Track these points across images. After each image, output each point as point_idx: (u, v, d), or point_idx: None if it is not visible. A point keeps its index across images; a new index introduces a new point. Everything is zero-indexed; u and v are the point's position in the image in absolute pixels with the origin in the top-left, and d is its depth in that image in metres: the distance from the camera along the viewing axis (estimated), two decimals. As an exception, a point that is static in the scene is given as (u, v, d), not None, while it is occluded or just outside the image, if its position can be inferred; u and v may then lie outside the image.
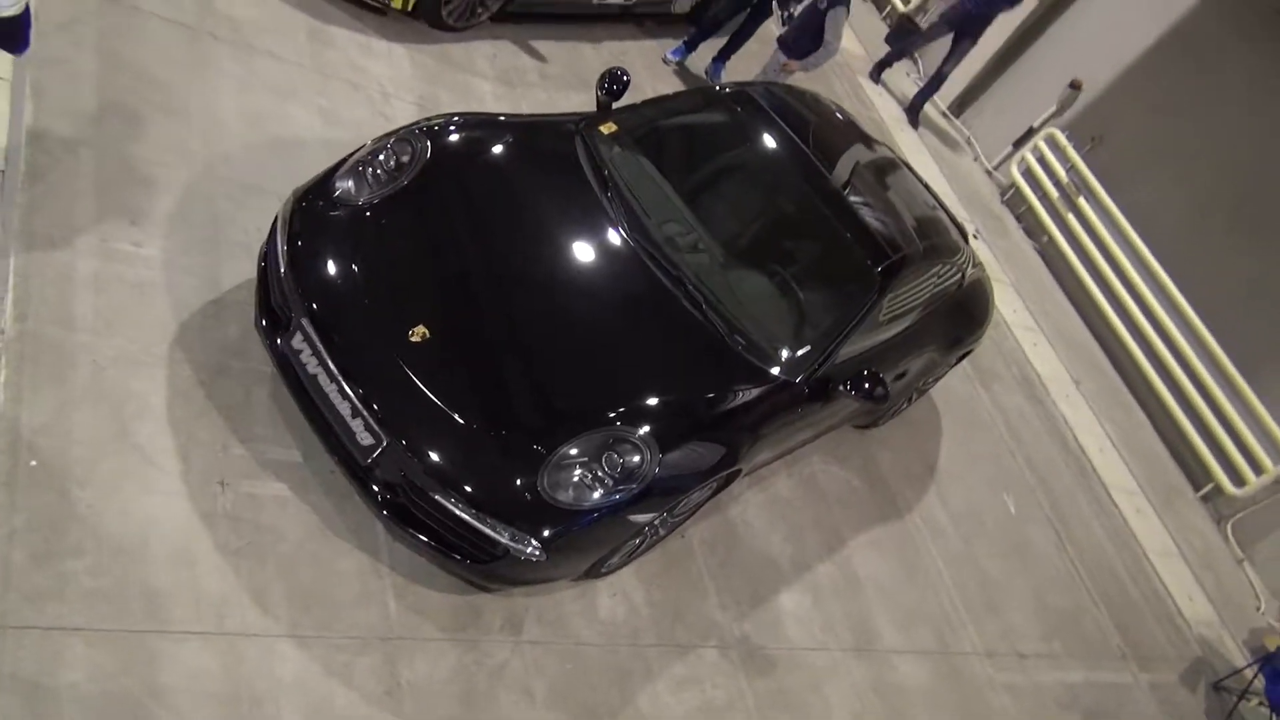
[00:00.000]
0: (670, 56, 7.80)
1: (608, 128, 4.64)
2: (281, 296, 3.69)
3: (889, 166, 5.56)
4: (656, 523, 4.01)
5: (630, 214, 4.32)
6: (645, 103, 4.93)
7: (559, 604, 4.06)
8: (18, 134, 3.97)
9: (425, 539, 3.60)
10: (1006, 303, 8.48)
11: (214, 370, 3.83)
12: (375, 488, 3.57)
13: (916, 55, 10.35)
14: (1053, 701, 5.46)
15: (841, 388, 4.41)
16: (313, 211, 3.81)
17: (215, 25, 5.04)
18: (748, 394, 4.13)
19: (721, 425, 4.02)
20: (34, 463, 3.26)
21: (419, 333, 3.58)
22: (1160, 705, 6.05)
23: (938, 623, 5.34)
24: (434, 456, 3.46)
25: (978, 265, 6.00)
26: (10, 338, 3.47)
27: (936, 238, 5.37)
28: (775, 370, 4.25)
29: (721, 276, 4.42)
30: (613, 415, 3.71)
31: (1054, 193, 9.47)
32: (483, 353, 3.69)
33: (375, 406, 3.46)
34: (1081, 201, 9.27)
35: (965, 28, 9.19)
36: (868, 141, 5.63)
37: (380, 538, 3.78)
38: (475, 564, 3.62)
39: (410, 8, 5.86)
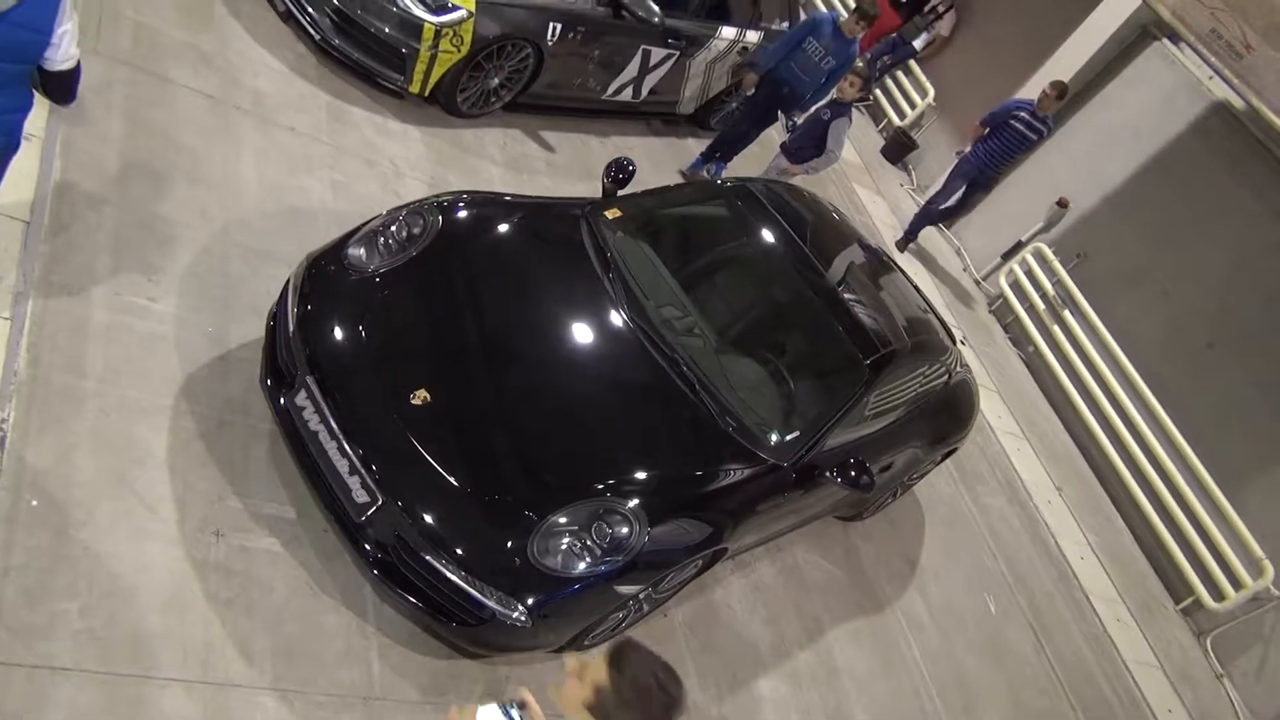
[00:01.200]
0: (692, 169, 8.02)
1: (612, 213, 4.83)
2: (288, 355, 3.80)
3: (882, 268, 5.74)
4: (641, 597, 4.07)
5: (630, 296, 4.46)
6: (649, 192, 5.13)
7: (539, 675, 4.08)
8: (45, 188, 4.12)
9: (413, 599, 3.64)
10: (992, 409, 8.63)
11: (216, 424, 3.92)
12: (367, 546, 3.63)
13: (939, 219, 10.24)
14: (1028, 806, 5.43)
15: (828, 474, 4.51)
16: (324, 275, 3.94)
17: (240, 98, 5.25)
18: (736, 474, 4.23)
19: (710, 503, 4.11)
20: (35, 502, 3.32)
21: (420, 396, 3.69)
22: (1137, 818, 6.01)
23: (913, 717, 5.33)
24: (427, 517, 3.53)
25: (964, 367, 6.16)
26: (23, 380, 3.56)
27: (926, 336, 5.53)
28: (764, 453, 4.35)
29: (715, 360, 4.55)
30: (603, 487, 3.79)
31: (1040, 305, 9.70)
32: (480, 420, 3.79)
33: (373, 465, 3.55)
34: (1066, 314, 9.49)
35: (978, 179, 9.39)
36: (862, 243, 5.84)
37: (368, 598, 3.82)
38: (461, 627, 3.66)
39: (427, 93, 6.10)
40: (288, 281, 3.98)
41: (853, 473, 4.51)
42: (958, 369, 5.91)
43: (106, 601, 3.26)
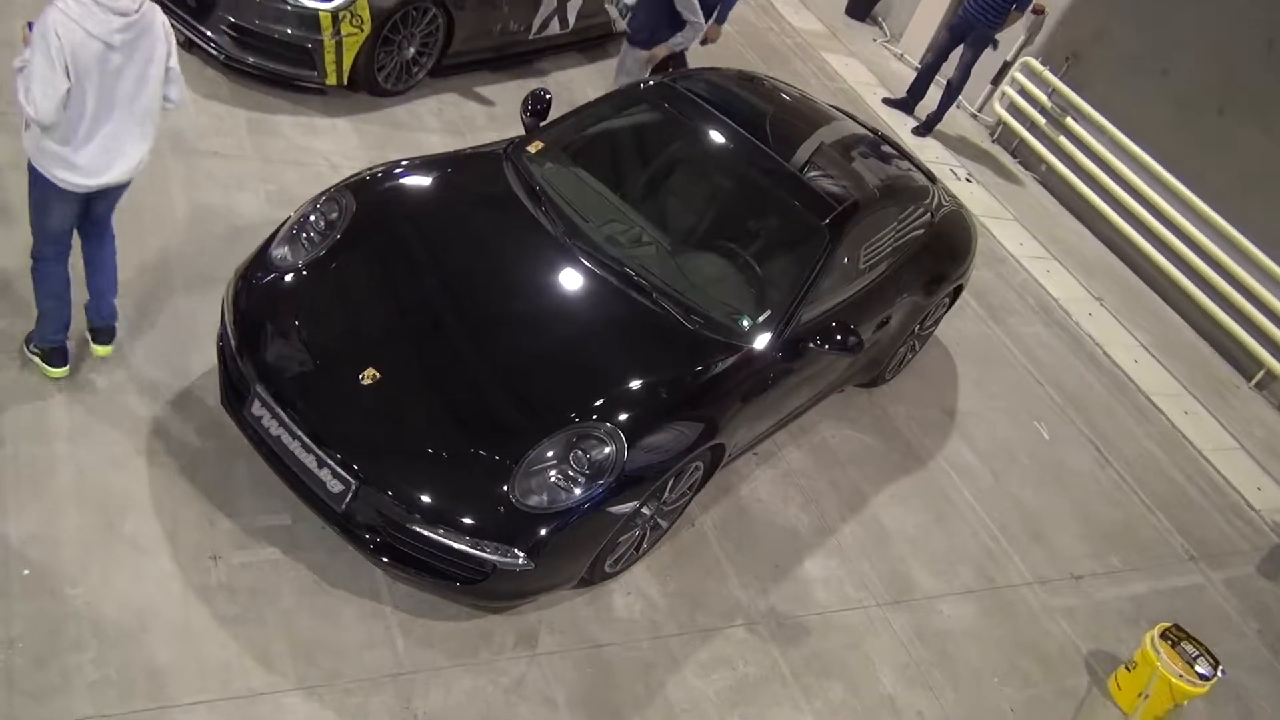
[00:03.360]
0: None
1: (535, 146, 4.73)
2: (238, 370, 3.81)
3: (837, 128, 5.54)
4: (649, 512, 4.03)
5: (567, 222, 4.39)
6: (568, 115, 5.01)
7: (571, 612, 4.09)
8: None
9: (415, 571, 3.66)
10: (1012, 237, 8.37)
11: (192, 455, 3.96)
12: (357, 532, 3.65)
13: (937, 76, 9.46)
14: (1117, 616, 5.31)
15: (813, 345, 4.41)
16: (254, 284, 3.94)
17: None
18: (714, 369, 4.15)
19: (691, 405, 4.04)
20: (26, 571, 3.40)
21: (369, 375, 3.67)
22: (1241, 600, 5.84)
23: (978, 561, 5.24)
24: (402, 489, 3.53)
25: (949, 201, 5.96)
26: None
27: (892, 182, 5.35)
28: (738, 341, 4.27)
29: (669, 263, 4.46)
30: (573, 415, 3.75)
31: (1041, 120, 9.35)
32: (435, 380, 3.77)
33: (337, 454, 3.55)
34: (1070, 122, 9.13)
35: (968, 37, 8.80)
36: (811, 109, 5.65)
37: (379, 580, 3.86)
38: (468, 585, 3.67)
39: (346, 81, 6.05)
40: (222, 300, 3.98)
41: (837, 336, 4.40)
42: (940, 206, 5.71)
43: (116, 647, 3.33)
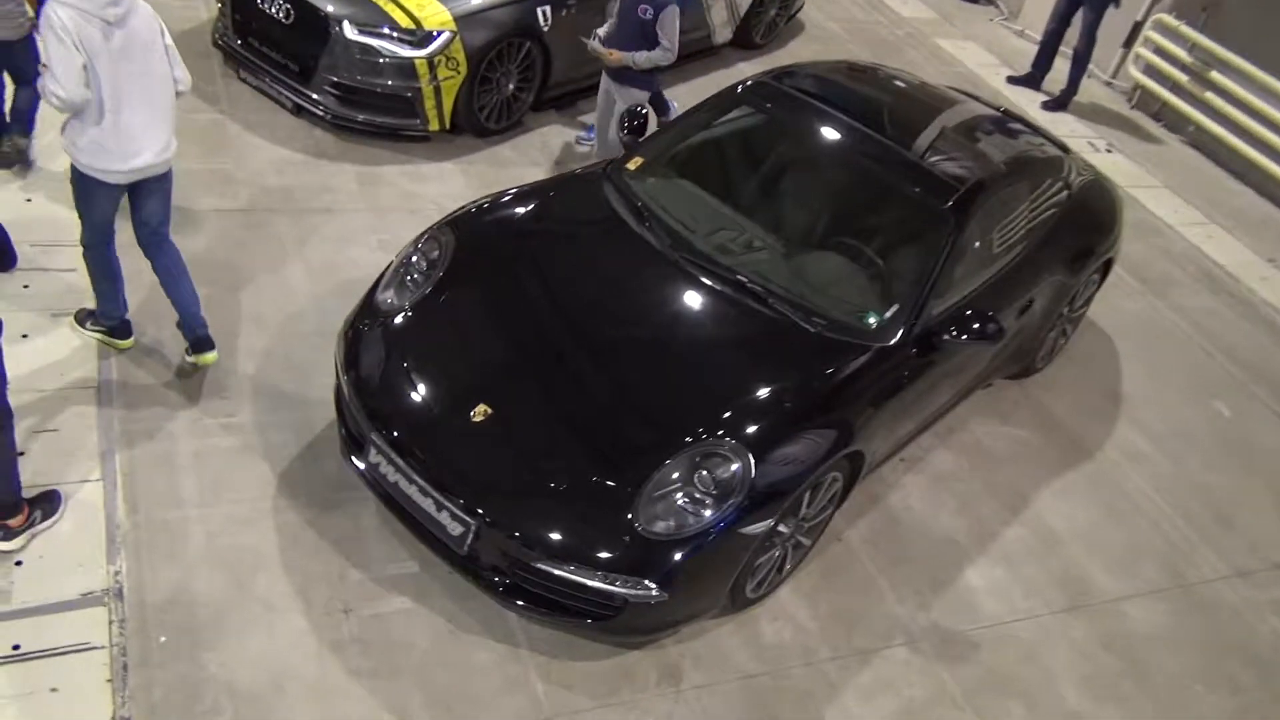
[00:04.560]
0: (585, 137, 6.53)
1: (634, 163, 4.59)
2: (354, 420, 3.76)
3: (956, 110, 5.18)
4: (787, 530, 3.78)
5: (674, 236, 4.21)
6: (664, 127, 4.85)
7: (716, 642, 3.86)
8: (106, 349, 4.28)
9: (546, 610, 3.51)
10: (1164, 205, 7.79)
11: (320, 508, 3.92)
12: (482, 573, 3.52)
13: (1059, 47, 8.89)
14: (1335, 606, 4.74)
15: (948, 336, 4.09)
16: (362, 332, 3.89)
17: (268, 200, 5.34)
18: (842, 372, 3.89)
19: (821, 411, 3.78)
20: (163, 639, 3.40)
21: (480, 411, 3.56)
22: None
23: (1164, 556, 4.77)
24: (522, 526, 3.40)
25: (1087, 171, 5.52)
26: (126, 529, 3.67)
27: (1021, 157, 4.98)
28: (865, 340, 3.99)
29: (785, 266, 4.24)
30: (695, 434, 3.55)
31: (1183, 78, 8.70)
32: (547, 411, 3.62)
33: (455, 495, 3.44)
34: (1215, 75, 8.45)
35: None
36: (926, 92, 5.34)
37: (513, 622, 3.72)
38: (601, 622, 3.49)
39: (449, 125, 6.05)
40: (335, 352, 3.95)
41: (974, 324, 4.08)
42: (1077, 177, 5.29)
43: (253, 708, 3.28)
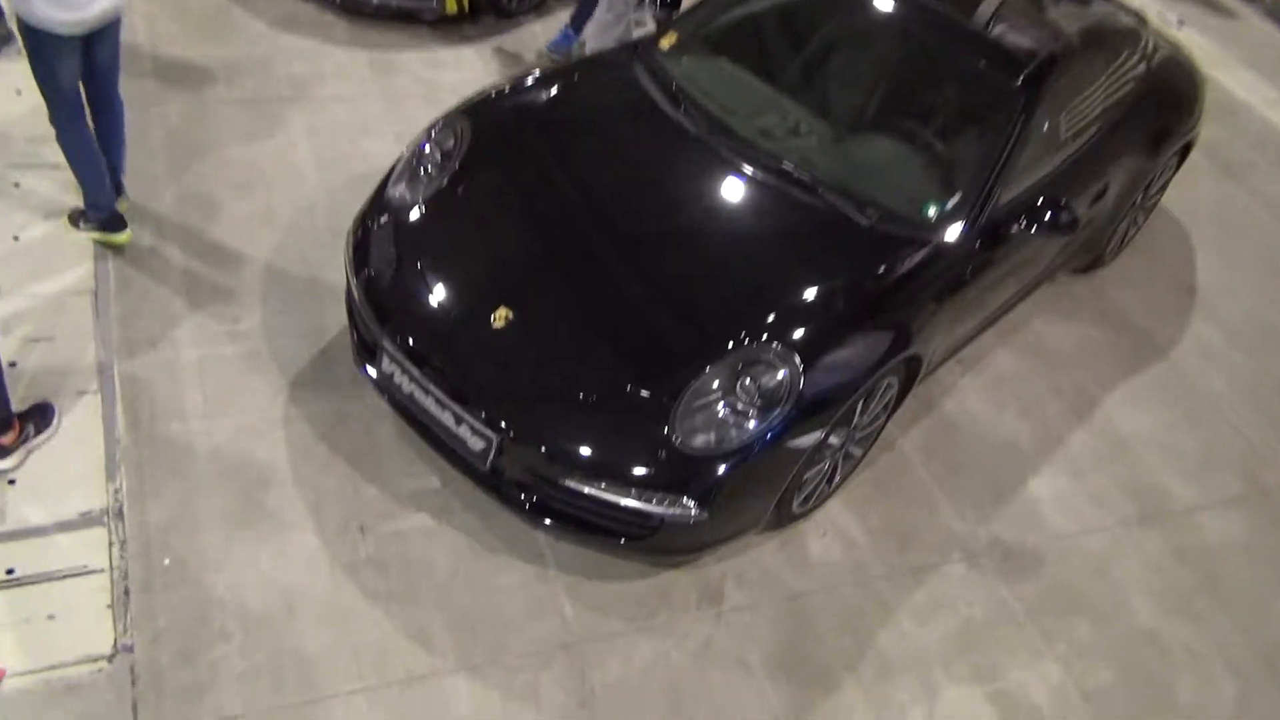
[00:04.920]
0: (556, 45, 5.65)
1: (668, 41, 4.15)
2: (366, 327, 3.47)
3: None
4: (838, 442, 3.47)
5: (712, 120, 3.81)
6: (702, 2, 4.39)
7: (760, 560, 3.59)
8: (102, 249, 4.00)
9: (576, 529, 3.25)
10: (1240, 83, 7.21)
11: (333, 420, 3.66)
12: (507, 490, 3.25)
13: None
14: None
15: (1016, 228, 3.71)
16: (372, 230, 3.56)
17: (277, 88, 4.98)
18: (898, 268, 3.52)
19: (875, 311, 3.43)
20: (167, 561, 3.18)
21: (500, 316, 3.24)
22: None
23: (1243, 461, 4.42)
24: (550, 441, 3.10)
25: (1166, 46, 5.01)
26: (127, 446, 3.43)
27: (1095, 29, 4.48)
28: (924, 233, 3.61)
29: (835, 153, 3.84)
30: (737, 338, 3.22)
31: (1263, -59, 8.00)
32: (573, 314, 3.30)
33: (474, 407, 3.15)
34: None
35: None
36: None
37: (540, 542, 3.47)
38: (635, 542, 3.23)
39: (467, 8, 5.61)
40: (344, 252, 3.64)
41: (1046, 214, 3.68)
42: (1155, 51, 4.79)
43: (263, 634, 3.07)
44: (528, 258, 3.43)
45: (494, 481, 3.26)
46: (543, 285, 3.35)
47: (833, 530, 3.73)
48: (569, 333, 3.26)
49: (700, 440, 3.08)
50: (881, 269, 3.49)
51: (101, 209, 3.94)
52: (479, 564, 3.37)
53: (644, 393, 3.13)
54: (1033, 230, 3.70)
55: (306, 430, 3.61)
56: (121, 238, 4.02)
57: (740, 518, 3.35)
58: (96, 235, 3.99)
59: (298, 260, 4.19)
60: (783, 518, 3.58)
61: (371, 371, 3.44)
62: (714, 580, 3.50)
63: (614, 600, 3.37)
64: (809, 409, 3.17)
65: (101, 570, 3.12)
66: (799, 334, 3.24)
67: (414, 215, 3.54)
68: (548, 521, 3.24)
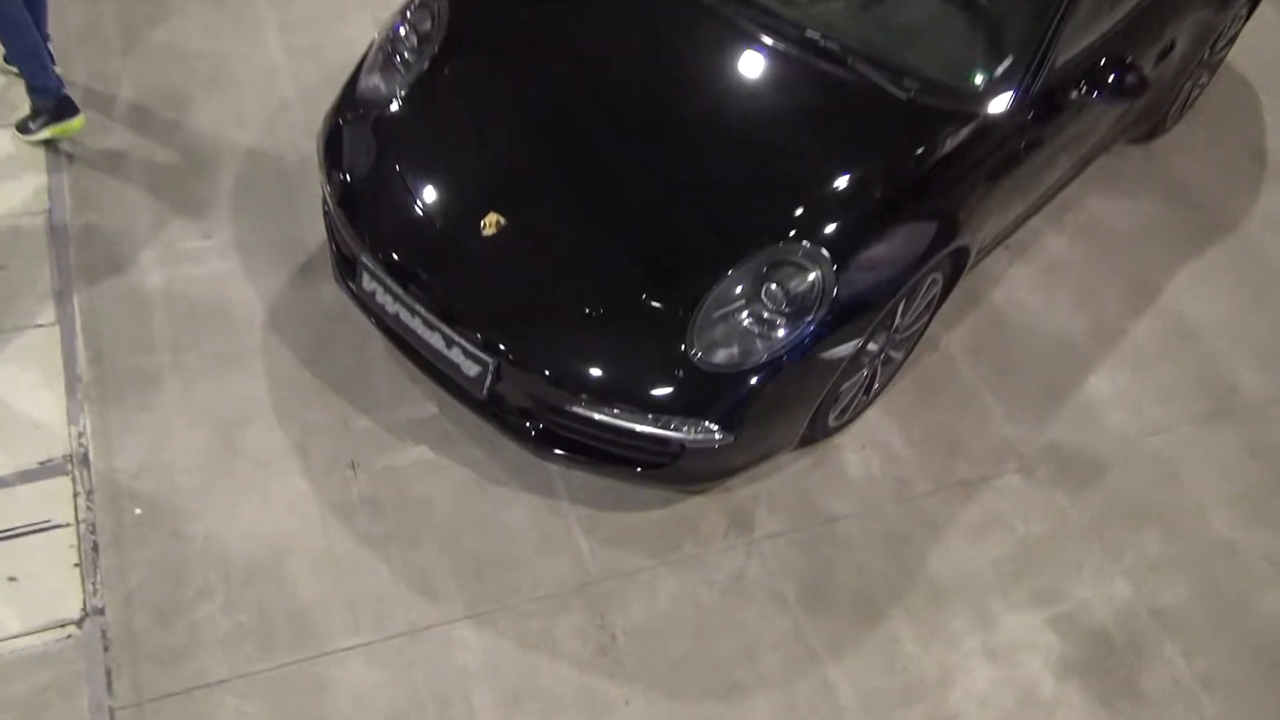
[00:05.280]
0: None
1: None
2: (343, 238, 3.09)
3: None
4: (875, 348, 3.10)
5: (722, -15, 3.33)
6: None
7: (793, 481, 3.26)
8: (56, 161, 3.62)
9: (587, 460, 2.91)
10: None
11: (317, 345, 3.32)
12: (509, 419, 2.92)
13: None
14: None
15: (1076, 94, 3.25)
16: (344, 128, 3.15)
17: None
18: (942, 147, 3.08)
19: (917, 198, 3.01)
20: (138, 511, 2.88)
21: (490, 222, 2.85)
22: None
23: (1324, 346, 4.01)
24: (551, 363, 2.74)
25: None
26: (89, 382, 3.11)
27: None
28: (972, 105, 3.15)
29: (866, 17, 3.36)
30: (759, 238, 2.82)
31: None
32: (575, 219, 2.91)
33: (467, 328, 2.79)
34: None
35: None
36: None
37: (551, 472, 3.14)
38: (653, 470, 2.90)
39: None
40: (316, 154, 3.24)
41: (1110, 76, 3.22)
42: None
43: (248, 589, 2.78)
44: (519, 153, 3.03)
45: (494, 410, 2.92)
46: (537, 185, 2.96)
47: (872, 444, 3.39)
48: (569, 239, 2.87)
49: (722, 355, 2.71)
50: (922, 149, 3.05)
51: (48, 92, 3.56)
52: (484, 499, 3.06)
53: (657, 304, 2.75)
54: (1094, 96, 3.24)
55: (288, 358, 3.27)
56: (76, 123, 3.65)
57: (770, 439, 3.01)
58: (51, 132, 3.61)
59: (272, 165, 3.79)
60: (817, 433, 3.23)
61: (353, 289, 3.08)
62: (743, 506, 3.17)
63: (634, 533, 3.06)
64: (844, 314, 2.79)
65: (66, 525, 2.83)
66: (830, 229, 2.83)
67: (390, 109, 3.12)
68: (555, 451, 2.91)
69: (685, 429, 2.75)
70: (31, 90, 3.56)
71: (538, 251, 2.84)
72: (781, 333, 2.73)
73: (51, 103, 3.58)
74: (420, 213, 2.91)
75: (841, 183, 2.93)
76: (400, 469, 3.08)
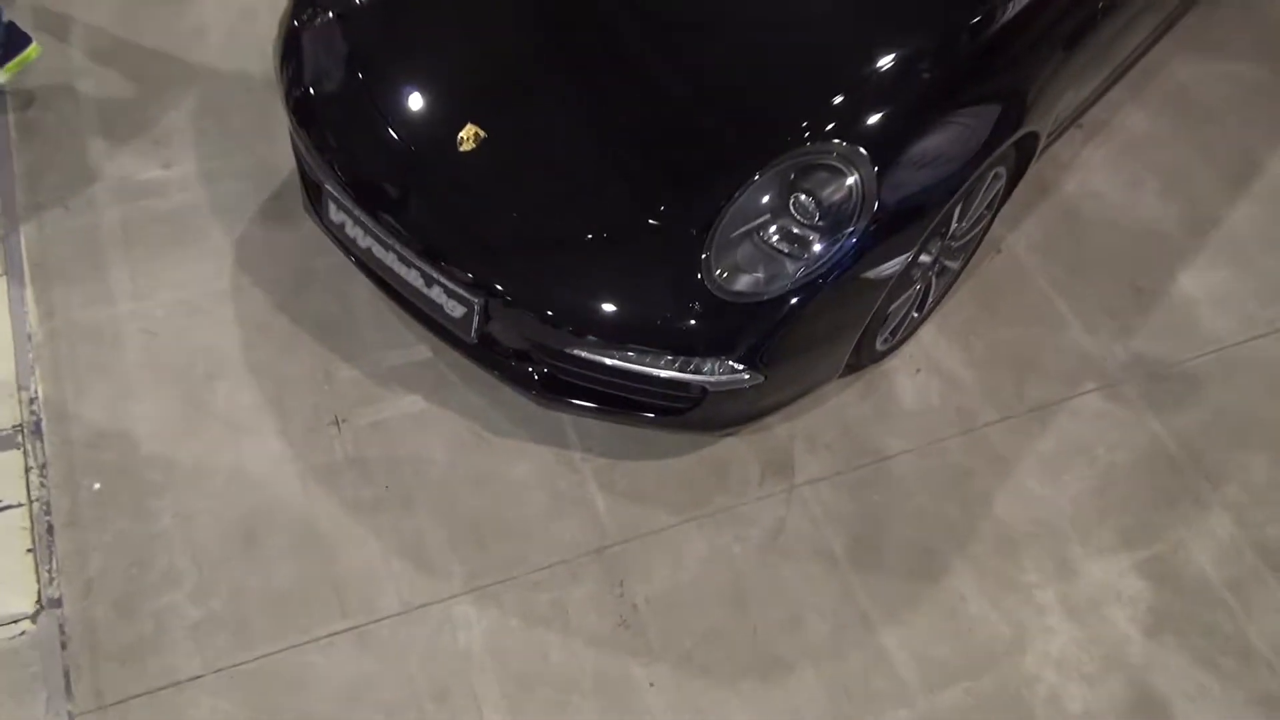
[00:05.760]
0: None
1: None
2: (308, 161, 2.68)
3: None
4: (929, 259, 2.65)
5: None
6: None
7: (838, 413, 2.85)
8: (-4, 97, 3.25)
9: (596, 407, 2.53)
10: None
11: (292, 284, 2.94)
12: (503, 364, 2.53)
13: None
14: None
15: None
16: (301, 32, 2.71)
17: None
18: (1003, 13, 2.56)
19: (974, 78, 2.51)
20: (97, 486, 2.56)
21: (469, 135, 2.42)
22: None
23: None
24: (545, 299, 2.34)
25: None
26: (40, 342, 2.77)
27: None
28: (1039, -44, 2.62)
29: None
30: (785, 137, 2.36)
31: None
32: (564, 128, 2.47)
33: (445, 262, 2.38)
34: None
35: None
36: None
37: (563, 419, 2.76)
38: (673, 416, 2.50)
39: None
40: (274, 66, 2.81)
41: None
42: None
43: (219, 572, 2.47)
44: (497, 52, 2.58)
45: (486, 355, 2.53)
46: (520, 89, 2.51)
47: (928, 367, 2.96)
48: (560, 151, 2.43)
49: (745, 281, 2.28)
50: (978, 18, 2.54)
51: None
52: (485, 452, 2.69)
53: (664, 224, 2.32)
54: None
55: (261, 300, 2.90)
56: (31, 52, 3.22)
57: (808, 374, 2.60)
58: (7, 73, 3.21)
59: (238, 82, 3.37)
60: (863, 359, 2.81)
61: (323, 220, 2.68)
62: (781, 447, 2.78)
63: (656, 485, 2.69)
64: (890, 223, 2.34)
65: (18, 505, 2.52)
66: (870, 122, 2.37)
67: (351, 12, 2.67)
68: (563, 399, 2.52)
69: (706, 370, 2.35)
70: None
71: (524, 168, 2.41)
72: (816, 249, 2.29)
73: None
74: (388, 129, 2.48)
75: (881, 64, 2.44)
76: (389, 423, 2.72)
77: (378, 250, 2.52)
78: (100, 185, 3.09)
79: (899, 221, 2.36)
